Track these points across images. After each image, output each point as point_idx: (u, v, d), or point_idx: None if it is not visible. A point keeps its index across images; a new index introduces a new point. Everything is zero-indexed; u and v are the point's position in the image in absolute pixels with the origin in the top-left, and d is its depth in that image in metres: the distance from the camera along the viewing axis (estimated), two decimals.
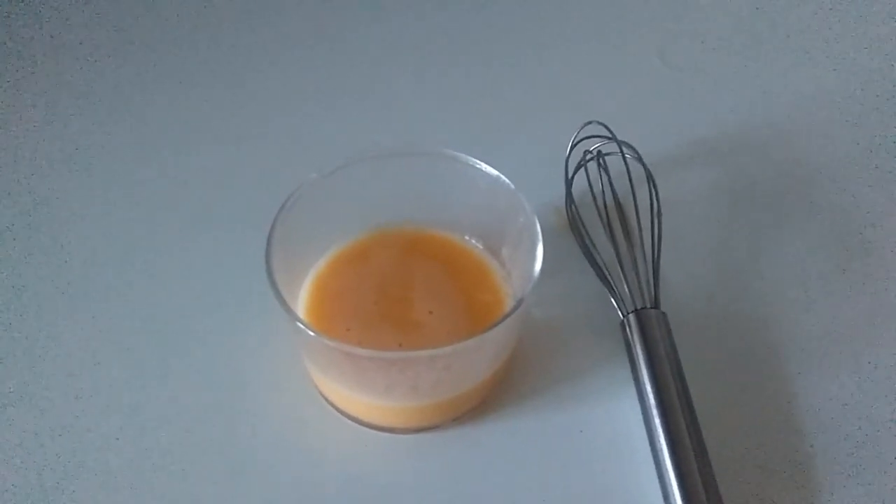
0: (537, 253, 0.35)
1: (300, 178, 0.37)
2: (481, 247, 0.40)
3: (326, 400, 0.37)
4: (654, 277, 0.40)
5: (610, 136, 0.44)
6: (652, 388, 0.36)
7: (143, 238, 0.44)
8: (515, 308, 0.33)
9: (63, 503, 0.35)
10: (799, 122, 0.50)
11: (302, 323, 0.32)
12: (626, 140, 0.44)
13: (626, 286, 0.41)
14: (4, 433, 0.37)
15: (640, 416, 0.37)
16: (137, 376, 0.39)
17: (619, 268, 0.41)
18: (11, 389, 0.38)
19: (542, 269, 0.35)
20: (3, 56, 0.54)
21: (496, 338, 0.34)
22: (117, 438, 0.37)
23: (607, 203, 0.44)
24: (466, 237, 0.40)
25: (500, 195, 0.37)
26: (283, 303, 0.33)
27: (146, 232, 0.44)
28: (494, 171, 0.37)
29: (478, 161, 0.38)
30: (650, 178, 0.44)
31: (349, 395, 0.35)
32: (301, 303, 0.38)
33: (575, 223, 0.43)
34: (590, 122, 0.44)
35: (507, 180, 0.37)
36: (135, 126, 0.50)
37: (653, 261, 0.41)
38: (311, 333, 0.32)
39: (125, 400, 0.38)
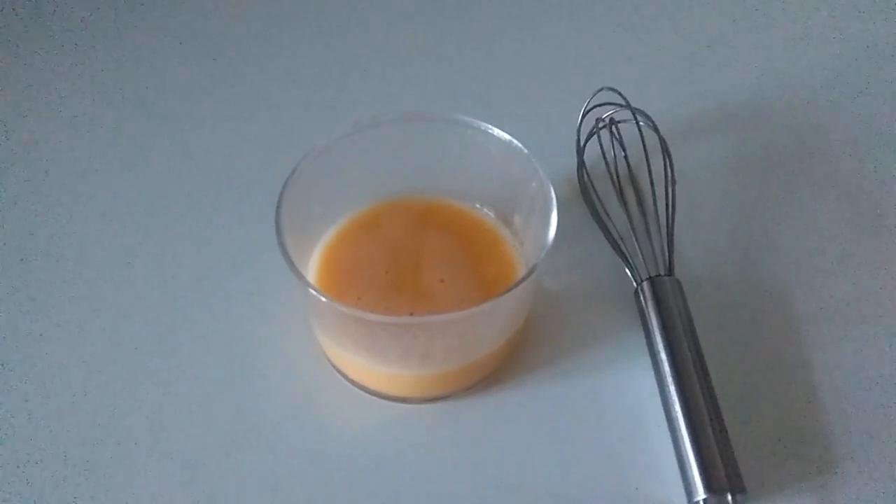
0: (551, 218, 0.34)
1: (309, 145, 0.36)
2: (493, 215, 0.40)
3: (338, 370, 0.37)
4: (668, 245, 0.40)
5: (623, 102, 0.43)
6: (667, 354, 0.36)
7: (152, 209, 0.44)
8: (529, 273, 0.33)
9: (74, 474, 0.35)
10: (814, 91, 0.50)
11: (314, 290, 0.32)
12: (638, 107, 0.44)
13: (639, 254, 0.40)
14: (23, 402, 0.37)
15: (654, 384, 0.36)
16: (147, 349, 0.38)
17: (632, 236, 0.41)
18: (24, 355, 0.38)
19: (555, 240, 0.34)
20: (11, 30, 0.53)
21: (509, 304, 0.33)
22: (129, 409, 0.37)
23: (620, 171, 0.44)
24: (478, 206, 0.40)
25: (513, 161, 0.37)
26: (295, 270, 0.33)
27: (156, 203, 0.44)
28: (507, 136, 0.37)
29: (490, 126, 0.37)
30: (664, 145, 0.43)
31: (362, 363, 0.35)
32: (311, 273, 0.37)
33: (587, 191, 0.42)
34: (602, 89, 0.44)
35: (519, 145, 0.36)
36: (144, 96, 0.49)
37: (667, 228, 0.40)
38: (324, 300, 0.32)
39: (136, 371, 0.38)
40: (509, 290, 0.32)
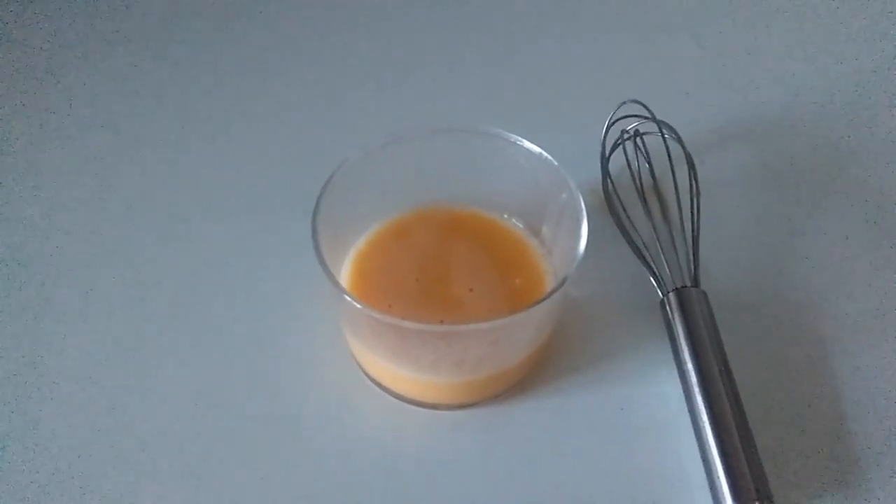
0: (582, 230, 0.35)
1: (343, 156, 0.37)
2: (521, 225, 0.40)
3: (368, 376, 0.38)
4: (693, 256, 0.40)
5: (648, 115, 0.44)
6: (693, 366, 0.36)
7: (187, 215, 0.44)
8: (561, 283, 0.33)
9: (102, 473, 0.35)
10: (839, 104, 0.50)
11: (350, 296, 0.33)
12: (663, 120, 0.44)
13: (665, 265, 0.41)
14: (45, 403, 0.37)
15: (680, 395, 0.37)
16: (178, 354, 0.39)
17: (658, 247, 0.41)
18: (45, 357, 0.39)
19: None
20: (45, 29, 0.54)
21: (540, 313, 0.34)
22: (158, 412, 0.37)
23: (644, 183, 0.44)
24: (506, 216, 0.40)
25: (543, 172, 0.37)
26: (331, 277, 0.33)
27: (190, 209, 0.45)
28: (537, 149, 0.37)
29: (521, 138, 0.38)
30: (689, 158, 0.44)
31: (394, 370, 0.35)
32: (343, 280, 0.38)
33: (612, 202, 0.43)
34: (626, 102, 0.44)
35: (549, 157, 0.37)
36: (184, 105, 0.50)
37: (692, 240, 0.41)
38: (359, 306, 0.32)
39: (167, 375, 0.38)
40: (543, 299, 0.32)
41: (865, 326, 0.40)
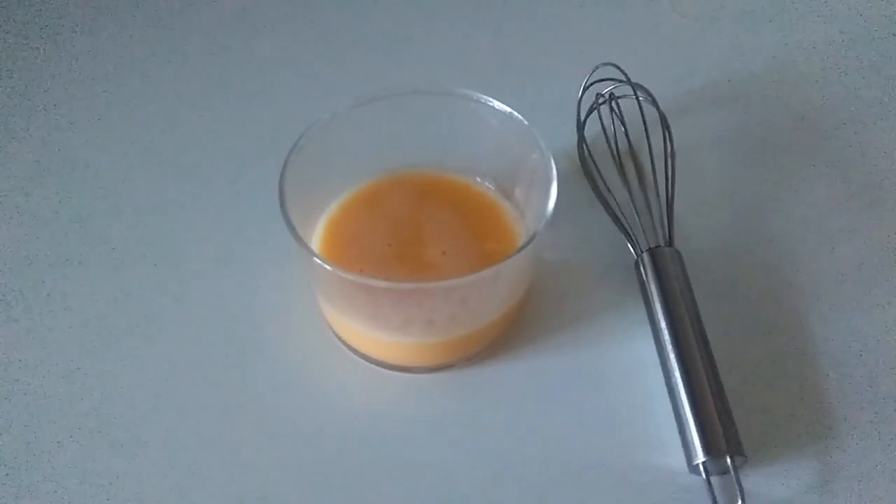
0: (552, 189, 0.35)
1: (312, 119, 0.37)
2: (494, 188, 0.40)
3: (341, 340, 0.38)
4: (668, 217, 0.40)
5: (623, 78, 0.44)
6: (667, 323, 0.36)
7: (156, 182, 0.44)
8: (530, 240, 0.33)
9: (77, 448, 0.35)
10: (813, 67, 0.50)
11: (319, 258, 0.32)
12: (638, 83, 0.44)
13: (640, 226, 0.40)
14: (22, 380, 0.37)
15: (655, 354, 0.37)
16: (150, 320, 0.39)
17: (632, 208, 0.41)
18: (23, 333, 0.39)
19: (555, 213, 0.34)
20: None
21: (510, 271, 0.34)
22: (130, 380, 0.37)
23: (620, 146, 0.44)
24: (478, 179, 0.40)
25: (514, 133, 0.37)
26: (299, 239, 0.33)
27: (160, 176, 0.44)
28: (507, 108, 0.37)
29: (490, 99, 0.37)
30: (664, 120, 0.43)
31: (365, 332, 0.35)
32: (314, 246, 0.38)
33: (587, 166, 0.43)
34: (602, 65, 0.44)
35: (520, 117, 0.37)
36: (149, 71, 0.50)
37: (667, 201, 0.41)
38: (328, 268, 0.32)
39: (138, 343, 0.38)
40: (510, 256, 0.32)
41: (838, 285, 0.40)
